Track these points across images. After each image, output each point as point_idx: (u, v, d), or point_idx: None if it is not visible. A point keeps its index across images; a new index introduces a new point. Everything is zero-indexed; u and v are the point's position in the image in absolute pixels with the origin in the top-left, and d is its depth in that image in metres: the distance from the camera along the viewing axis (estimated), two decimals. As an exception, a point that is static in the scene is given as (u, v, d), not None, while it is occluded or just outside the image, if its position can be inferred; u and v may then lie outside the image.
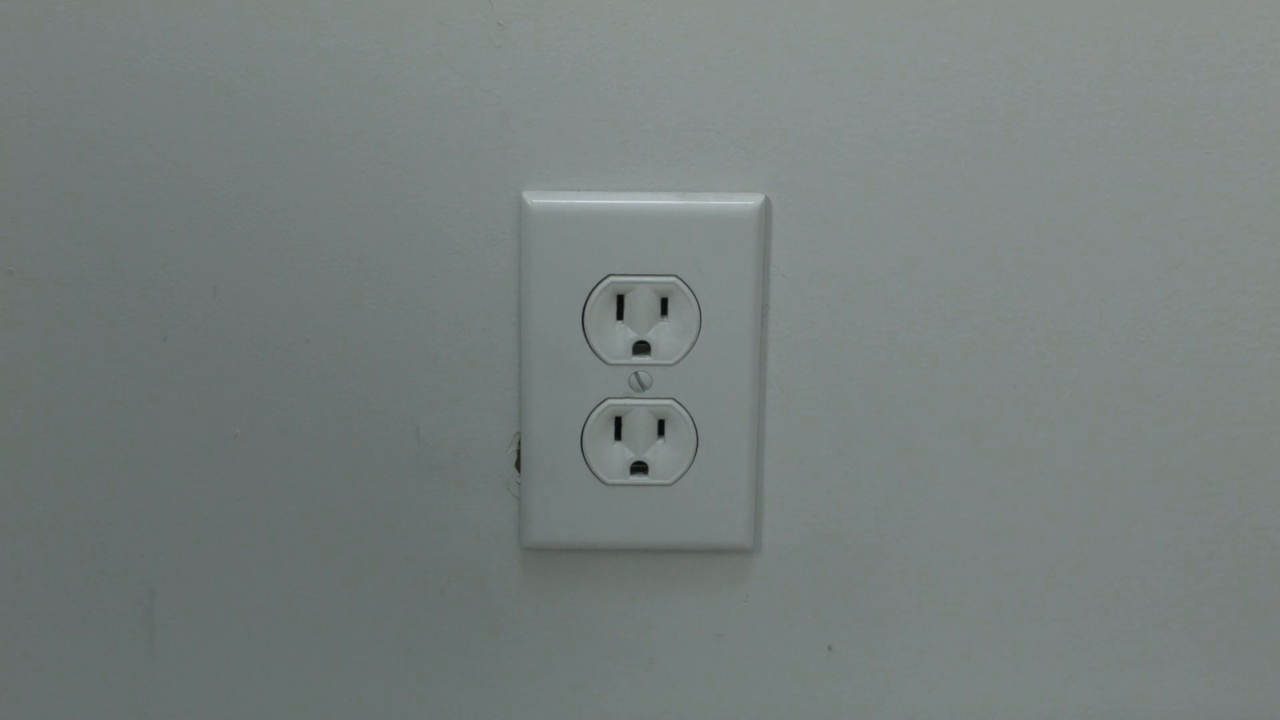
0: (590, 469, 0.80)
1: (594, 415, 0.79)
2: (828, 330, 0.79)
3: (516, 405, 0.80)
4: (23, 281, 0.79)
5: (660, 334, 0.79)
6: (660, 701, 0.83)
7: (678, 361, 0.79)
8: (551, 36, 0.76)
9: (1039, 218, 0.78)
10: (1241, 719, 0.85)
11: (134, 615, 0.83)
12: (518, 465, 0.81)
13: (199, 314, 0.79)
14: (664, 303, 0.78)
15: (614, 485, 0.80)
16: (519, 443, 0.80)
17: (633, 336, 0.79)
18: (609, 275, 0.78)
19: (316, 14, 0.75)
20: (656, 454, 0.80)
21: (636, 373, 0.79)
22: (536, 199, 0.77)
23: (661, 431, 0.80)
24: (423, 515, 0.82)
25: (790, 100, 0.76)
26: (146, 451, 0.81)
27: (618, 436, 0.80)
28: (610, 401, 0.79)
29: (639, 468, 0.81)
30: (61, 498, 0.81)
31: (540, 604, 0.83)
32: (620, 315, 0.79)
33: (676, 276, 0.78)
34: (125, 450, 0.80)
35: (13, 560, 0.82)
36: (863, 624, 0.83)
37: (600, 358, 0.79)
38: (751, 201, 0.77)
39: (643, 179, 0.78)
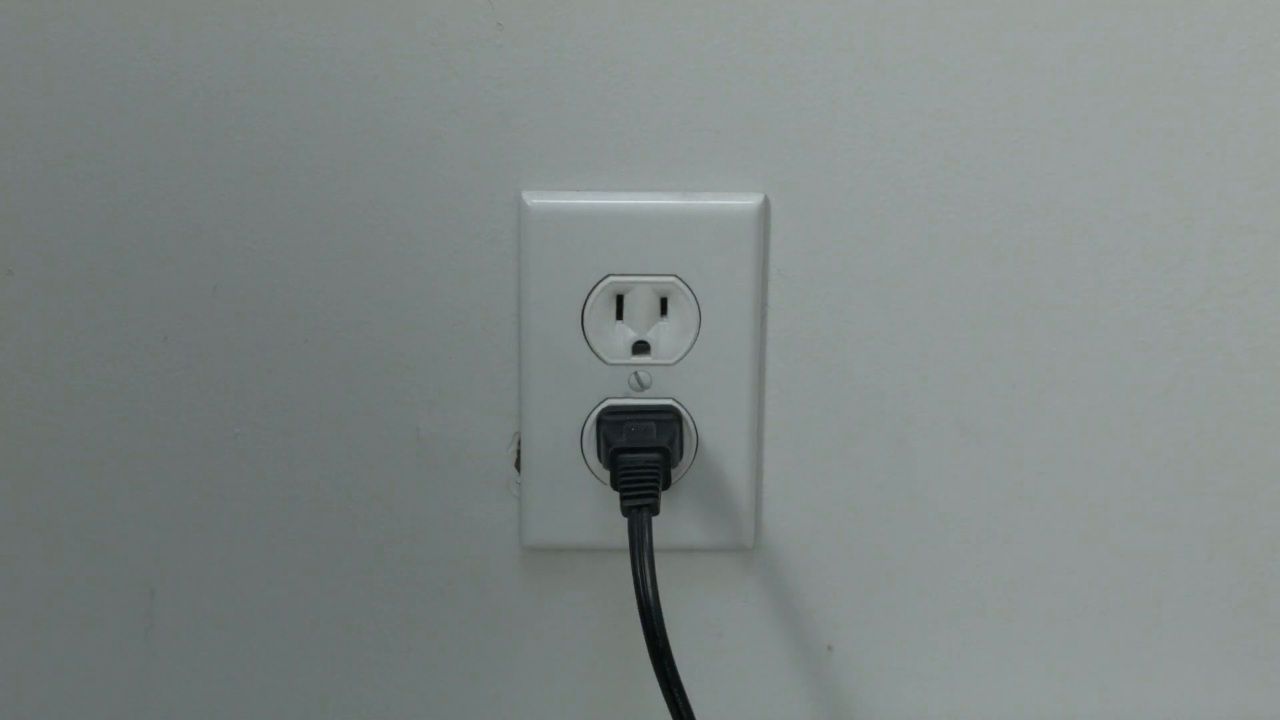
0: (590, 469, 0.80)
1: (594, 415, 0.79)
2: (827, 330, 0.79)
3: (516, 405, 0.80)
4: (23, 281, 0.79)
5: (660, 334, 0.79)
6: (660, 701, 0.83)
7: (677, 361, 0.79)
8: (551, 36, 0.76)
9: (1039, 217, 0.78)
10: (1241, 719, 0.85)
11: (133, 615, 0.83)
12: (518, 465, 0.81)
13: (199, 314, 0.79)
14: (664, 302, 0.78)
15: (614, 485, 0.80)
16: (519, 443, 0.80)
17: (632, 336, 0.79)
18: (609, 275, 0.78)
19: (316, 14, 0.75)
20: (656, 454, 0.80)
21: (636, 372, 0.79)
22: (536, 199, 0.77)
23: (661, 431, 0.80)
24: (423, 515, 0.82)
25: (790, 100, 0.76)
26: (146, 451, 0.81)
27: (618, 436, 0.80)
28: (610, 401, 0.79)
29: (639, 467, 0.81)
30: (61, 498, 0.81)
31: (540, 604, 0.83)
32: (620, 315, 0.79)
33: (676, 276, 0.78)
34: (125, 450, 0.80)
35: (13, 560, 0.82)
36: (863, 624, 0.83)
37: (600, 358, 0.79)
38: (751, 201, 0.77)
39: (643, 179, 0.78)
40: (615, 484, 0.77)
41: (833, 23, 0.75)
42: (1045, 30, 0.76)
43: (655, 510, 0.77)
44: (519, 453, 0.81)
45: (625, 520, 0.76)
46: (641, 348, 0.79)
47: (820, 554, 0.82)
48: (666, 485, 0.78)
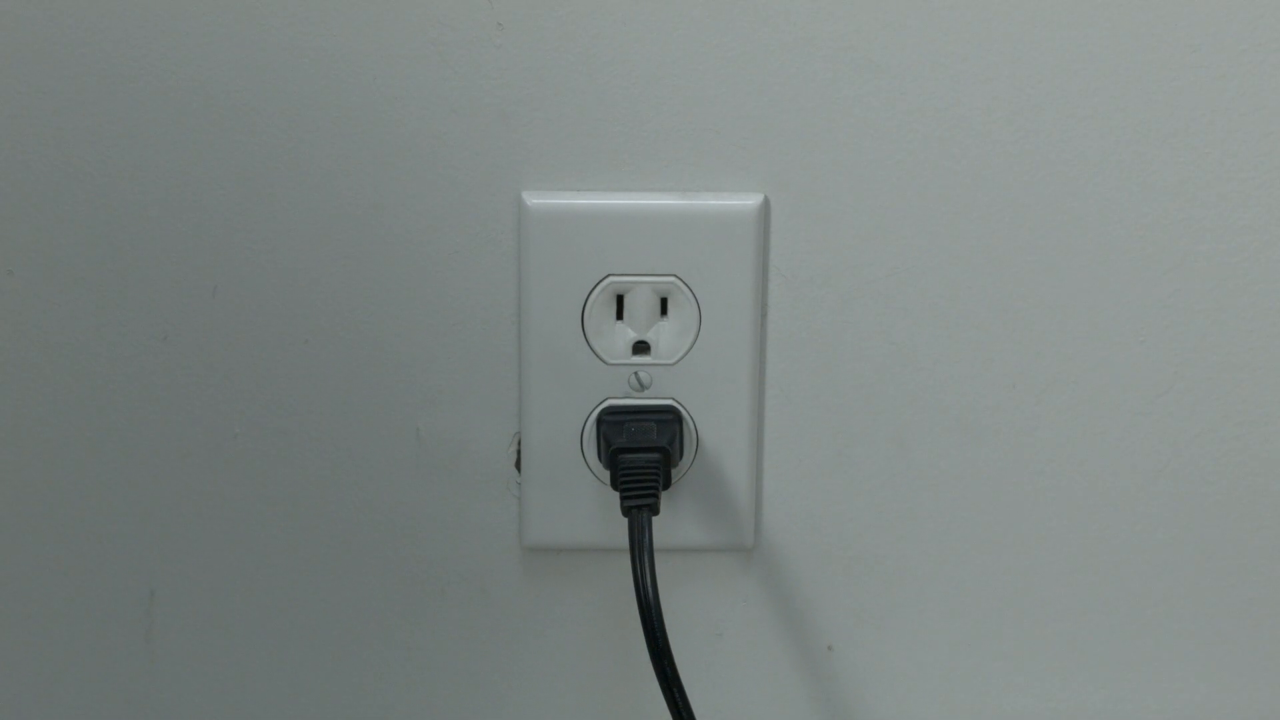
0: (590, 469, 0.80)
1: (594, 415, 0.79)
2: (827, 330, 0.79)
3: (516, 405, 0.80)
4: (23, 281, 0.79)
5: (660, 334, 0.79)
6: (660, 701, 0.83)
7: (677, 361, 0.79)
8: (551, 36, 0.76)
9: (1039, 217, 0.78)
10: (1241, 719, 0.85)
11: (133, 615, 0.83)
12: (518, 465, 0.81)
13: (199, 314, 0.79)
14: (663, 302, 0.78)
15: (614, 485, 0.80)
16: (519, 443, 0.80)
17: (632, 336, 0.79)
18: (609, 275, 0.78)
19: (316, 14, 0.75)
20: (656, 454, 0.80)
21: (636, 373, 0.79)
22: (536, 199, 0.77)
23: (661, 432, 0.80)
24: (423, 515, 0.82)
25: (790, 100, 0.76)
26: (146, 451, 0.81)
27: (618, 436, 0.80)
28: (610, 401, 0.79)
29: (639, 468, 0.81)
30: (61, 498, 0.81)
31: (540, 604, 0.83)
32: (620, 315, 0.79)
33: (676, 276, 0.78)
34: (125, 450, 0.80)
35: (13, 560, 0.82)
36: (863, 624, 0.83)
37: (600, 358, 0.79)
38: (751, 201, 0.77)
39: (642, 179, 0.78)
40: (615, 484, 0.77)
41: (833, 23, 0.75)
42: (1045, 30, 0.76)
43: (655, 510, 0.77)
44: (519, 453, 0.81)
45: (625, 520, 0.76)
46: (641, 348, 0.79)
47: (820, 554, 0.82)
48: (666, 485, 0.78)
